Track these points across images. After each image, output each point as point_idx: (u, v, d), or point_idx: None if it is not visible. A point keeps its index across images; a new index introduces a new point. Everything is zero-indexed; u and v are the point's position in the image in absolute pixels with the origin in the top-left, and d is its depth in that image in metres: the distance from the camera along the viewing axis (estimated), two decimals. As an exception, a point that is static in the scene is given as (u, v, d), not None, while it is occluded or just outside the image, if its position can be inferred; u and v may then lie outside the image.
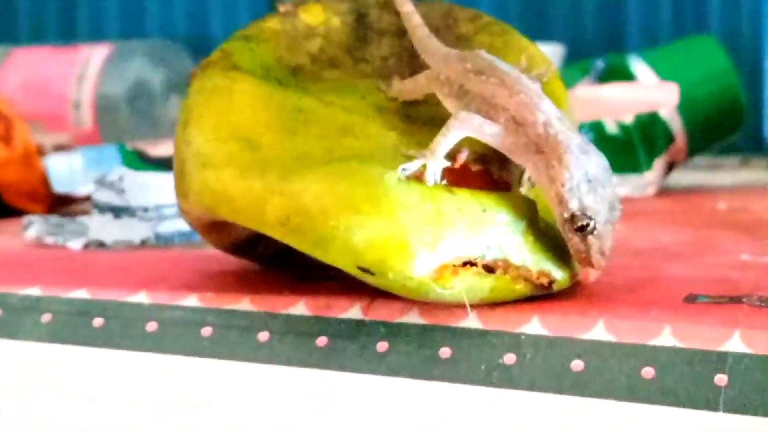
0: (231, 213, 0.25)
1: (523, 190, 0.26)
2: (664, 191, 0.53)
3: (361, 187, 0.24)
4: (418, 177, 0.24)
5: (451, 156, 0.25)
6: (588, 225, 0.23)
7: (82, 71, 0.81)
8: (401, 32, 0.31)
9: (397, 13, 0.31)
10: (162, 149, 0.48)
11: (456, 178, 0.25)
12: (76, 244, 0.36)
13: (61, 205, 0.49)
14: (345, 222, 0.23)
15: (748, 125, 0.61)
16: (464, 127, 0.25)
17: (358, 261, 0.23)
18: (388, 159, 0.25)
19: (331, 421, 0.24)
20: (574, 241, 0.24)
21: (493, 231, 0.24)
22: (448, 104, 0.27)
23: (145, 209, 0.38)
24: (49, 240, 0.37)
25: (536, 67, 0.29)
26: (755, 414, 0.21)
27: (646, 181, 0.52)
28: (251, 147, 0.26)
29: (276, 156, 0.25)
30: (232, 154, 0.26)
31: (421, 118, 0.28)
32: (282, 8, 0.31)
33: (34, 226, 0.38)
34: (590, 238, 0.23)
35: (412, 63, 0.30)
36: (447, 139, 0.25)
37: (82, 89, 0.81)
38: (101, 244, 0.36)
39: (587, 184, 0.23)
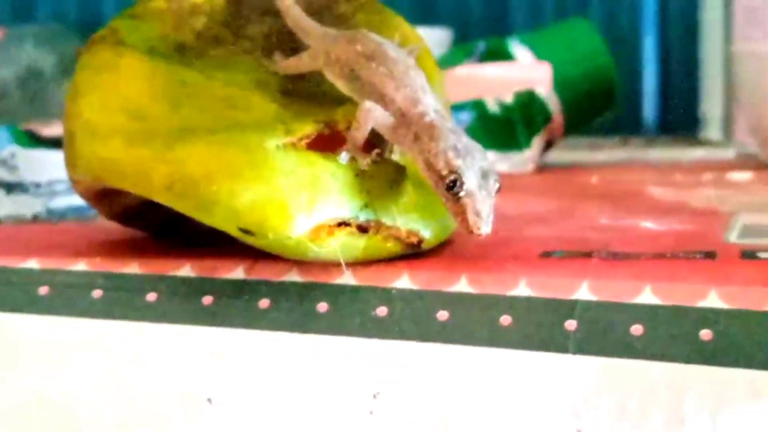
0: (119, 180, 0.27)
1: (395, 156, 0.28)
2: (543, 168, 0.56)
3: (242, 154, 0.25)
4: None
5: (328, 124, 0.27)
6: (455, 182, 0.24)
7: (-27, 56, 0.81)
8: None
9: None
10: (54, 129, 0.49)
11: (332, 144, 0.27)
12: (-32, 219, 0.37)
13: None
14: (227, 186, 0.25)
15: (627, 106, 0.65)
16: (371, 117, 0.26)
17: (240, 223, 0.25)
18: (268, 129, 0.26)
19: (217, 374, 0.26)
20: (449, 204, 0.25)
21: (365, 194, 0.26)
22: (339, 85, 0.28)
23: (38, 185, 0.38)
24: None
25: (408, 44, 0.31)
26: (599, 354, 0.23)
27: (526, 157, 0.54)
28: (137, 118, 0.27)
29: (161, 127, 0.27)
30: (120, 124, 0.27)
31: (300, 92, 0.29)
32: (168, -12, 0.32)
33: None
34: (463, 199, 0.24)
35: (293, 40, 0.32)
36: (360, 132, 0.26)
37: (-26, 74, 0.80)
38: (-6, 219, 0.37)
39: (454, 151, 0.25)
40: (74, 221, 0.38)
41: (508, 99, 0.54)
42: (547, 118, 0.55)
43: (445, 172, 0.24)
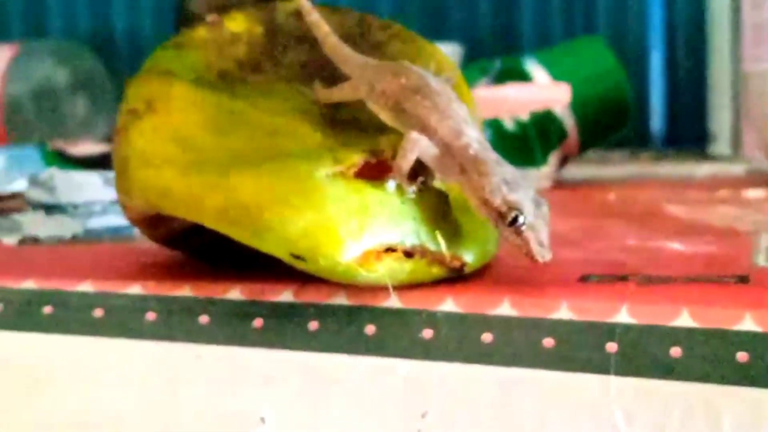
0: (173, 207, 0.28)
1: (437, 183, 0.29)
2: (559, 184, 0.57)
3: (293, 183, 0.26)
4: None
5: (374, 153, 0.28)
6: (517, 218, 0.25)
7: (-12, 72, 0.82)
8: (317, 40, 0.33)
9: None
10: (82, 148, 0.50)
11: (378, 172, 0.27)
12: (11, 240, 0.38)
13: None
14: (279, 214, 0.26)
15: (635, 120, 0.66)
16: (416, 148, 0.27)
17: (292, 249, 0.26)
18: (316, 158, 0.27)
19: (269, 395, 0.27)
20: (512, 239, 0.26)
21: (411, 220, 0.27)
22: (383, 116, 0.29)
23: (75, 206, 0.39)
24: (-16, 236, 0.39)
25: (444, 72, 0.32)
26: (640, 376, 0.24)
27: (542, 174, 0.56)
28: (189, 148, 0.28)
29: (212, 156, 0.28)
30: (172, 153, 0.28)
31: (342, 119, 0.30)
32: (209, 18, 0.33)
33: (-33, 224, 0.39)
34: (525, 232, 0.25)
35: (329, 68, 0.33)
36: (406, 161, 0.27)
37: (-12, 90, 0.82)
38: (35, 240, 0.38)
39: (506, 185, 0.26)
40: (112, 242, 0.38)
41: (525, 117, 0.55)
42: (562, 135, 0.56)
43: (504, 209, 0.25)
